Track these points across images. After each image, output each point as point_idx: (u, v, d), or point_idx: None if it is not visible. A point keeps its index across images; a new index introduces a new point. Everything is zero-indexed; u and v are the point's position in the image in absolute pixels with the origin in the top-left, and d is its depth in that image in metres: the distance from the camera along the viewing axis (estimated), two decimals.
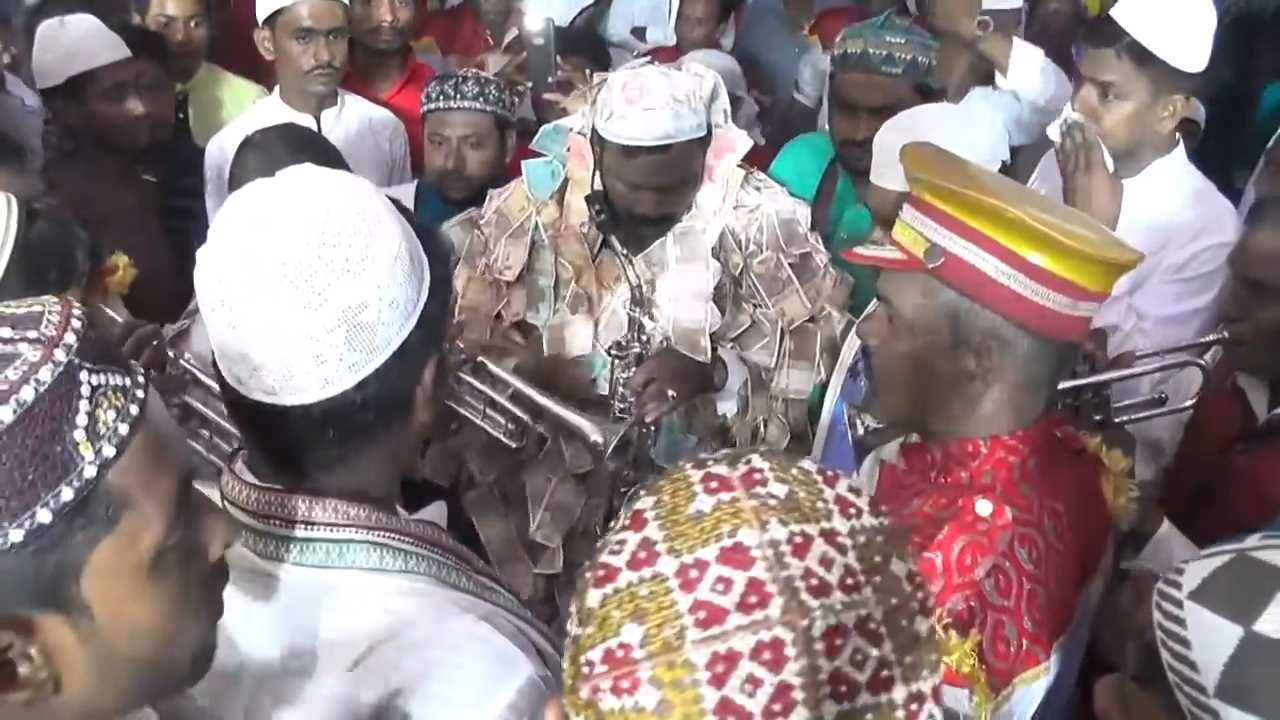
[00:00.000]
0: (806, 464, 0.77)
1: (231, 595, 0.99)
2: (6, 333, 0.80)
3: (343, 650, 1.06)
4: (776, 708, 0.66)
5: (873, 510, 0.76)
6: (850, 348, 2.19)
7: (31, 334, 0.80)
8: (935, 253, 1.31)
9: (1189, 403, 1.95)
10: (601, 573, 0.73)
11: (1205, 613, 0.96)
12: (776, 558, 0.69)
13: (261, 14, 2.90)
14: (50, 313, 0.83)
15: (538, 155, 2.42)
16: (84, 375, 0.81)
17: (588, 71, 2.51)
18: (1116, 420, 1.82)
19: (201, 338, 2.16)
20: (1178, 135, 2.32)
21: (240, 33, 3.26)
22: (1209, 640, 0.95)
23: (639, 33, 4.06)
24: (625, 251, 2.22)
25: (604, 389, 2.30)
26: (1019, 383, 1.34)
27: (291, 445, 1.06)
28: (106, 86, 2.69)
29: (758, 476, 0.74)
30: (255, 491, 1.09)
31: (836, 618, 0.68)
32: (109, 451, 0.81)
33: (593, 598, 0.72)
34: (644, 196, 2.21)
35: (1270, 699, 0.92)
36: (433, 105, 2.69)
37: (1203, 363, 1.90)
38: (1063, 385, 1.58)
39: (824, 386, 2.31)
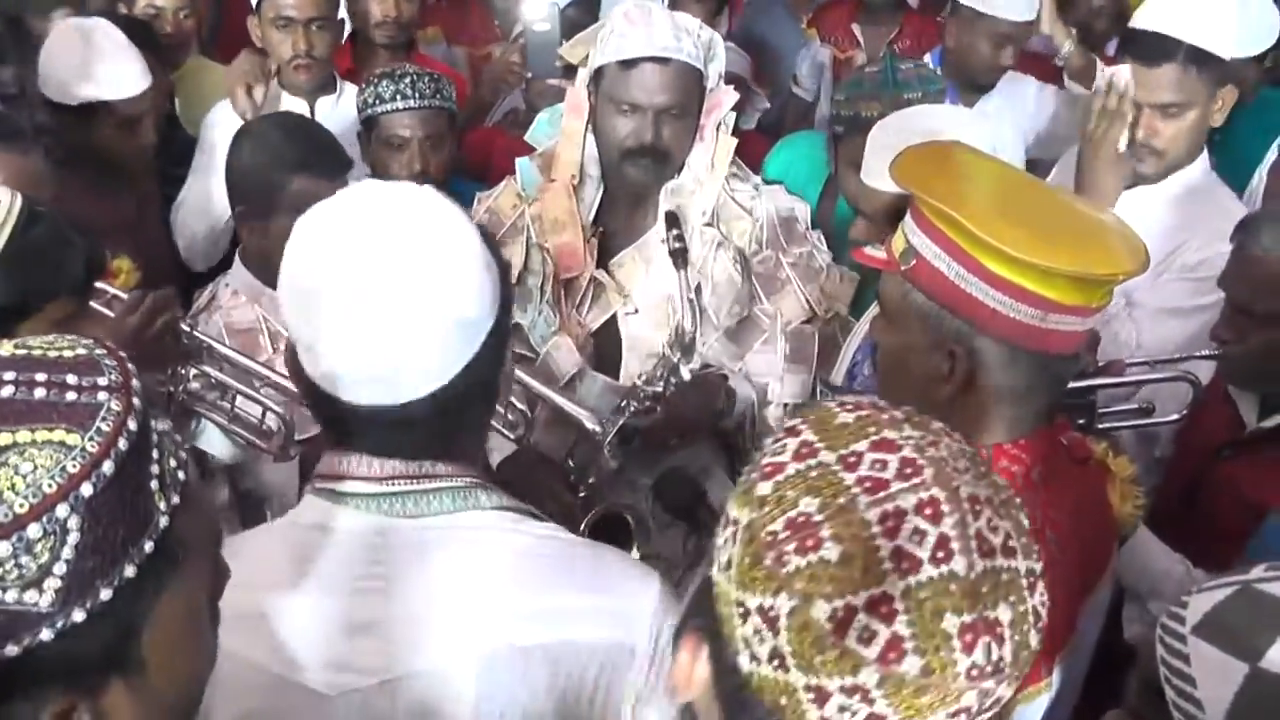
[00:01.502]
0: None
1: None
2: (73, 379, 0.77)
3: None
4: (940, 554, 0.76)
5: None
6: (849, 348, 2.15)
7: (100, 380, 0.78)
8: (909, 254, 1.31)
9: (1176, 416, 1.92)
10: (769, 468, 0.82)
11: (1209, 648, 0.92)
12: (919, 447, 0.81)
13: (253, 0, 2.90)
14: (101, 357, 0.80)
15: (529, 148, 2.34)
16: (154, 423, 0.80)
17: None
18: (1100, 426, 1.80)
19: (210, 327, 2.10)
20: (1202, 141, 2.29)
21: (235, 23, 3.24)
22: (1214, 678, 0.91)
23: None
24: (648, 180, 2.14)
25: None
26: (1002, 390, 1.32)
27: (407, 436, 1.16)
28: (124, 117, 2.57)
29: (883, 406, 0.86)
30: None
31: (975, 488, 0.79)
32: (175, 499, 0.80)
33: (764, 488, 0.81)
34: (644, 125, 2.11)
35: None
36: (387, 106, 2.52)
37: (1192, 377, 1.88)
38: None
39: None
